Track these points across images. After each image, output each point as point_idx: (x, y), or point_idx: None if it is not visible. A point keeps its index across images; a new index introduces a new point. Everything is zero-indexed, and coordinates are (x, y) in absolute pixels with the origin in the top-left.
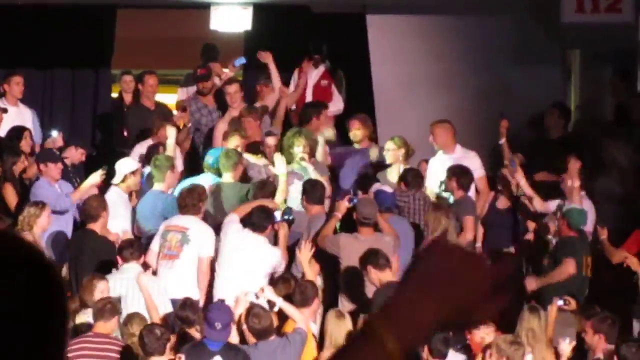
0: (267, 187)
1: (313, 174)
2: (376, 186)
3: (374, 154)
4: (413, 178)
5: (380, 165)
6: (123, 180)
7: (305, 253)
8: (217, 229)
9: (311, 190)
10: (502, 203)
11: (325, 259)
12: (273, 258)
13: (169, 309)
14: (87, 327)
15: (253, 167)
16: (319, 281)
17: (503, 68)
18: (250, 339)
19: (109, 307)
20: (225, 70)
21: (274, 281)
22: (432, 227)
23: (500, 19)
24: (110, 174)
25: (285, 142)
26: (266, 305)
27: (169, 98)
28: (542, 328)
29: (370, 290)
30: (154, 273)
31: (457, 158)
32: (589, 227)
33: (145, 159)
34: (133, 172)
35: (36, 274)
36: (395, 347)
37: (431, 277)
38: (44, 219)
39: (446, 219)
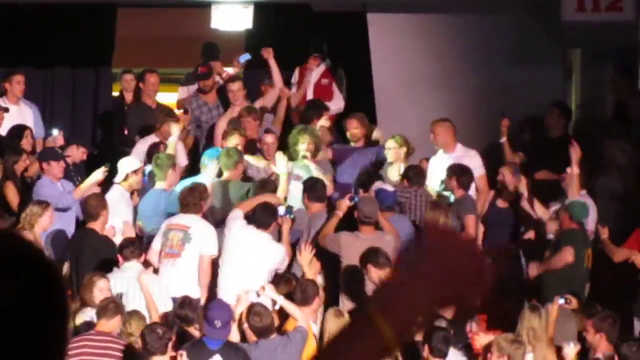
0: (268, 186)
1: (315, 172)
2: (377, 185)
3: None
4: (415, 175)
5: (382, 164)
6: (125, 179)
7: (305, 255)
8: (218, 226)
9: (312, 189)
10: (502, 202)
11: (326, 258)
12: (277, 255)
13: (169, 307)
14: (87, 327)
15: (252, 167)
16: (319, 280)
17: (503, 67)
18: (251, 337)
19: (112, 305)
20: (227, 69)
21: (275, 280)
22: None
23: (500, 18)
24: (112, 172)
25: (290, 139)
26: (268, 304)
27: (169, 97)
28: (542, 327)
29: (370, 289)
30: (156, 271)
31: (458, 157)
32: (590, 226)
33: (147, 157)
34: (135, 171)
35: (37, 273)
36: (390, 333)
37: (422, 261)
38: (46, 218)
39: (444, 217)
